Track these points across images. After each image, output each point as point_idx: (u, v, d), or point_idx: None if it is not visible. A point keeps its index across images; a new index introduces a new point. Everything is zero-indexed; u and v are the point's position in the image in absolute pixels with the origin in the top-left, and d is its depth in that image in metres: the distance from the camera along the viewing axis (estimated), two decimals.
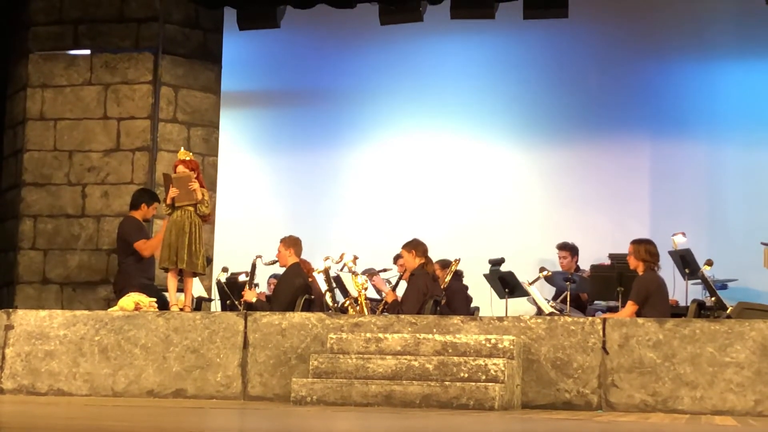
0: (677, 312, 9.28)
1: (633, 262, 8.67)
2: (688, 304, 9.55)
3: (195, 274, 8.99)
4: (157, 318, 8.40)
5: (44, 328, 8.49)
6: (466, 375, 7.30)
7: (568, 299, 9.78)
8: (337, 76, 12.36)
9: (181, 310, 8.69)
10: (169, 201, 8.82)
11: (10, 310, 8.77)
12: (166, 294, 9.11)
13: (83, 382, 8.35)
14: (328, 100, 12.46)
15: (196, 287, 9.70)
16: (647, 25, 11.73)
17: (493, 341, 7.54)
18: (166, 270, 8.81)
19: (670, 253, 9.74)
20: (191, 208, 8.80)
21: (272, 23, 11.43)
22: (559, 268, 10.45)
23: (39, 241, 11.19)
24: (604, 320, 7.85)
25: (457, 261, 9.84)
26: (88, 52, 11.28)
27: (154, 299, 8.79)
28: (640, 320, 7.84)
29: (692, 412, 7.44)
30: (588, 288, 10.03)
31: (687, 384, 7.57)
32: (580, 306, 10.23)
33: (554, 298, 10.18)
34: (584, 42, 11.90)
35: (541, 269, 10.06)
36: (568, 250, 10.57)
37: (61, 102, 11.29)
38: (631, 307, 8.38)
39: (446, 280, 9.73)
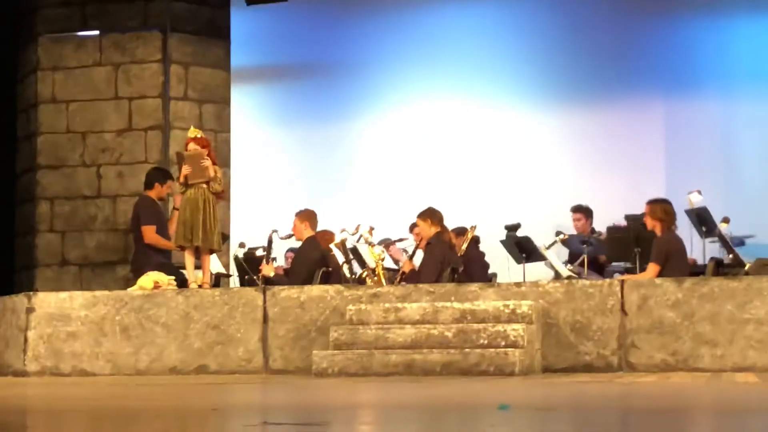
0: (696, 271, 9.27)
1: (650, 223, 8.65)
2: (706, 263, 9.55)
3: (212, 251, 9.03)
4: (176, 296, 8.45)
5: (65, 310, 8.55)
6: (486, 341, 7.32)
7: (586, 262, 9.78)
8: (347, 46, 12.33)
9: (200, 287, 8.74)
10: (182, 179, 8.84)
11: (31, 293, 8.83)
12: (184, 272, 9.15)
13: (106, 361, 8.42)
14: (338, 71, 12.44)
15: (214, 264, 9.73)
16: None
17: (511, 307, 7.56)
18: (182, 248, 8.85)
19: (687, 212, 9.71)
20: (204, 186, 8.81)
21: None
22: (573, 231, 10.44)
23: (56, 223, 11.25)
24: (622, 282, 7.85)
25: (473, 228, 9.84)
26: (96, 33, 11.29)
27: (173, 277, 8.83)
28: (658, 280, 7.84)
29: (713, 370, 7.44)
30: (605, 250, 10.02)
31: (707, 342, 7.57)
32: (598, 269, 10.22)
33: (570, 262, 10.17)
34: (594, 2, 11.81)
35: (558, 233, 10.05)
36: (582, 212, 10.55)
37: (72, 84, 11.30)
38: (653, 268, 8.36)
39: (463, 247, 9.74)
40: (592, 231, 10.47)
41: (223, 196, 9.32)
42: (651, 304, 7.69)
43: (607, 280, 8.09)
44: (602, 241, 10.02)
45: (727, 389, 5.63)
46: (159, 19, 11.19)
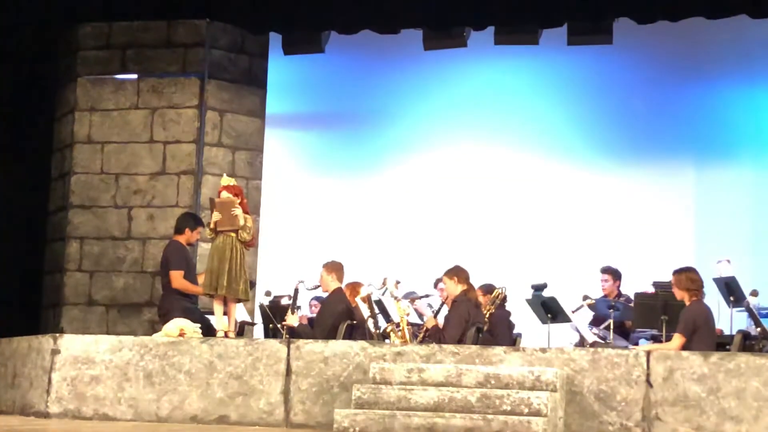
0: (722, 341, 9.21)
1: (678, 293, 8.61)
2: (733, 333, 9.48)
3: (239, 300, 9.06)
4: (201, 344, 8.47)
5: (90, 353, 8.58)
6: (509, 408, 7.29)
7: (611, 327, 9.74)
8: (381, 100, 12.40)
9: (225, 334, 8.75)
10: (212, 225, 8.91)
11: (57, 334, 8.88)
12: (210, 317, 9.19)
13: (128, 407, 8.44)
14: (371, 123, 12.50)
15: (239, 311, 9.75)
16: (691, 51, 11.66)
17: (536, 374, 7.53)
18: (211, 296, 8.89)
19: (715, 280, 9.66)
20: (233, 234, 8.86)
21: (317, 48, 11.53)
22: (600, 292, 10.42)
23: (85, 263, 11.34)
24: (648, 353, 7.80)
25: (503, 290, 9.82)
26: (135, 76, 11.44)
27: (198, 325, 8.86)
28: (685, 353, 7.79)
29: None
30: (631, 315, 9.96)
31: (732, 418, 7.51)
32: (624, 333, 10.16)
33: (595, 324, 10.10)
34: (628, 68, 11.84)
35: (585, 297, 10.02)
36: (611, 273, 10.53)
37: (109, 125, 11.45)
38: (679, 339, 8.30)
39: (490, 308, 9.71)
40: (619, 294, 10.43)
41: (251, 244, 9.34)
42: (677, 377, 7.64)
43: (633, 351, 8.04)
44: (629, 306, 9.96)
45: None
46: (198, 66, 11.33)
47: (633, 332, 10.13)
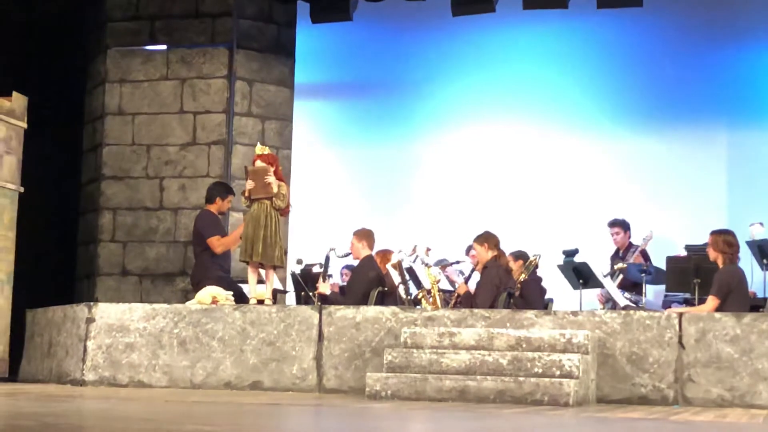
0: (755, 304, 9.18)
1: (712, 254, 8.57)
2: (767, 295, 9.44)
3: (275, 267, 9.09)
4: (233, 311, 8.53)
5: (124, 321, 8.67)
6: (541, 370, 7.30)
7: (644, 291, 9.72)
8: (410, 67, 12.36)
9: (261, 302, 8.79)
10: (246, 194, 8.94)
11: (92, 303, 8.97)
12: (243, 286, 9.23)
13: (162, 374, 8.52)
14: (400, 91, 12.46)
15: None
16: (723, 13, 11.54)
17: (567, 336, 7.53)
18: (247, 262, 8.93)
19: (748, 243, 9.61)
20: (268, 202, 8.88)
21: (345, 16, 11.51)
22: (613, 246, 10.41)
23: (118, 234, 11.44)
24: (681, 315, 7.78)
25: (538, 257, 9.80)
26: (164, 47, 11.48)
27: (231, 293, 8.91)
28: (717, 315, 7.76)
29: None
30: (663, 280, 9.94)
31: (765, 379, 7.49)
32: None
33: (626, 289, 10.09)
34: (659, 31, 11.74)
35: (616, 261, 9.99)
36: (620, 225, 10.53)
37: (139, 97, 11.50)
38: (713, 301, 8.26)
39: (522, 276, 9.70)
40: (630, 245, 10.42)
41: (287, 211, 9.34)
42: (709, 338, 7.62)
43: (665, 313, 8.01)
44: (660, 270, 9.93)
45: None
46: (226, 36, 11.35)
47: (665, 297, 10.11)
